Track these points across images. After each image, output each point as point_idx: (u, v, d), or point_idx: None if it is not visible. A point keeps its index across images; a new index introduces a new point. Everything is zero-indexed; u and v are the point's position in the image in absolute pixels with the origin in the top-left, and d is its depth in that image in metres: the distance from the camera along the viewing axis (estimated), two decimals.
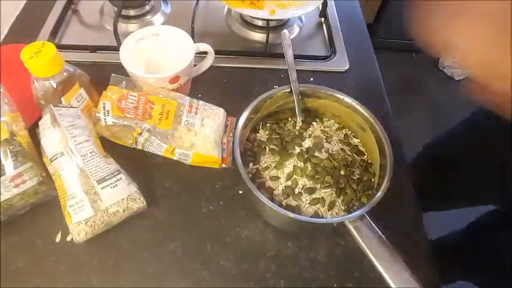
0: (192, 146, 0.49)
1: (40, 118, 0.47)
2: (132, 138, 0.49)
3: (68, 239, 0.44)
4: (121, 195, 0.43)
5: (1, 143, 0.42)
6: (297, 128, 0.51)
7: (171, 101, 0.50)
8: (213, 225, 0.47)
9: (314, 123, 0.52)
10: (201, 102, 0.53)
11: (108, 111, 0.48)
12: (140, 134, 0.48)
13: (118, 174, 0.44)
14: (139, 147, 0.50)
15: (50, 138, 0.44)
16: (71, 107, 0.48)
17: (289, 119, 0.53)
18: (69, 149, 0.43)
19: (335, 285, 0.44)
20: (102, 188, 0.42)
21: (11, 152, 0.43)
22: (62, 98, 0.47)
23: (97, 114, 0.48)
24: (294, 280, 0.44)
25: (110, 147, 0.48)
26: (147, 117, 0.48)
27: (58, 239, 0.45)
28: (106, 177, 0.43)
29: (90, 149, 0.44)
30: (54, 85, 0.46)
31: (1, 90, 0.46)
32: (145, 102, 0.49)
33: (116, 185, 0.43)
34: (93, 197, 0.42)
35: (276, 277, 0.44)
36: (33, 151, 0.46)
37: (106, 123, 0.48)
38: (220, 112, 0.53)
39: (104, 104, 0.48)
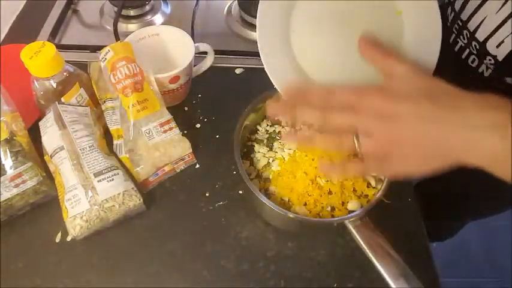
0: (133, 151, 0.47)
1: (40, 118, 0.47)
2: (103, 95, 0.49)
3: (68, 239, 0.44)
4: (117, 190, 0.43)
5: (1, 143, 0.42)
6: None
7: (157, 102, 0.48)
8: (213, 225, 0.47)
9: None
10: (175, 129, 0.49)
11: (106, 58, 0.47)
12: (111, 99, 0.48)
13: (115, 169, 0.44)
14: (103, 107, 0.49)
15: (52, 135, 0.44)
16: (79, 106, 0.48)
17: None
18: (70, 142, 0.43)
19: (335, 285, 0.44)
20: (98, 181, 0.42)
21: (11, 152, 0.43)
22: (62, 98, 0.47)
23: (98, 51, 0.49)
24: (294, 280, 0.44)
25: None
26: (125, 93, 0.46)
27: (58, 239, 0.45)
28: (103, 171, 0.43)
29: (89, 143, 0.44)
30: (54, 85, 0.46)
31: (1, 90, 0.46)
32: (136, 82, 0.47)
33: (113, 179, 0.43)
34: (90, 191, 0.42)
35: (276, 277, 0.44)
36: (33, 151, 0.46)
37: (100, 67, 0.48)
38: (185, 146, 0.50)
39: (108, 50, 0.47)
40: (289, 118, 0.39)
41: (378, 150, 0.33)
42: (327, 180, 0.44)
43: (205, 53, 0.57)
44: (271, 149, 0.49)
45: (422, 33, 0.39)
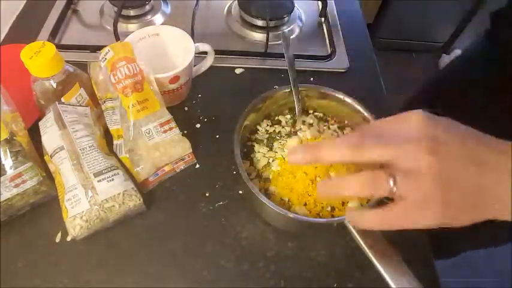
0: (133, 151, 0.47)
1: (40, 118, 0.47)
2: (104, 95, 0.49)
3: (68, 239, 0.44)
4: (117, 190, 0.43)
5: (1, 143, 0.42)
6: (297, 128, 0.51)
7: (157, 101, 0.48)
8: (213, 225, 0.47)
9: (314, 123, 0.52)
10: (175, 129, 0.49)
11: (106, 58, 0.47)
12: (111, 99, 0.48)
13: (115, 169, 0.44)
14: (103, 107, 0.49)
15: (52, 135, 0.44)
16: (80, 106, 0.48)
17: (289, 118, 0.53)
18: (70, 142, 0.43)
19: (335, 285, 0.44)
20: (98, 181, 0.42)
21: (11, 152, 0.43)
22: (62, 98, 0.47)
23: (98, 51, 0.48)
24: (294, 280, 0.44)
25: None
26: (125, 93, 0.46)
27: (58, 239, 0.45)
28: (103, 171, 0.43)
29: (89, 143, 0.44)
30: (54, 85, 0.46)
31: (1, 90, 0.46)
32: (136, 82, 0.46)
33: (113, 179, 0.43)
34: (90, 191, 0.42)
35: (276, 277, 0.44)
36: (33, 151, 0.46)
37: (100, 67, 0.48)
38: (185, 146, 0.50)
39: (108, 50, 0.47)
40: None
41: (422, 193, 0.28)
42: None
43: (205, 53, 0.57)
44: (271, 149, 0.49)
45: None
